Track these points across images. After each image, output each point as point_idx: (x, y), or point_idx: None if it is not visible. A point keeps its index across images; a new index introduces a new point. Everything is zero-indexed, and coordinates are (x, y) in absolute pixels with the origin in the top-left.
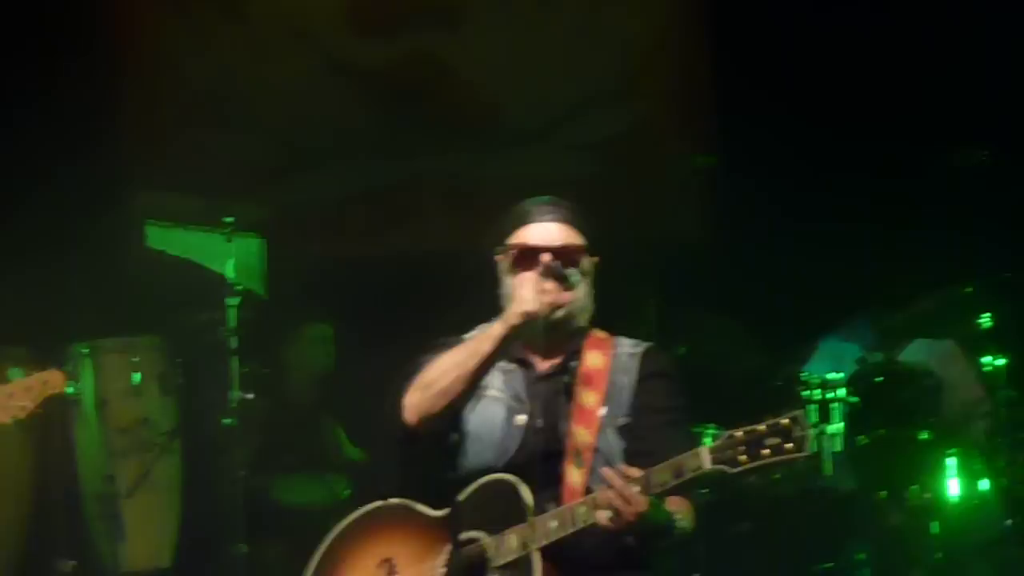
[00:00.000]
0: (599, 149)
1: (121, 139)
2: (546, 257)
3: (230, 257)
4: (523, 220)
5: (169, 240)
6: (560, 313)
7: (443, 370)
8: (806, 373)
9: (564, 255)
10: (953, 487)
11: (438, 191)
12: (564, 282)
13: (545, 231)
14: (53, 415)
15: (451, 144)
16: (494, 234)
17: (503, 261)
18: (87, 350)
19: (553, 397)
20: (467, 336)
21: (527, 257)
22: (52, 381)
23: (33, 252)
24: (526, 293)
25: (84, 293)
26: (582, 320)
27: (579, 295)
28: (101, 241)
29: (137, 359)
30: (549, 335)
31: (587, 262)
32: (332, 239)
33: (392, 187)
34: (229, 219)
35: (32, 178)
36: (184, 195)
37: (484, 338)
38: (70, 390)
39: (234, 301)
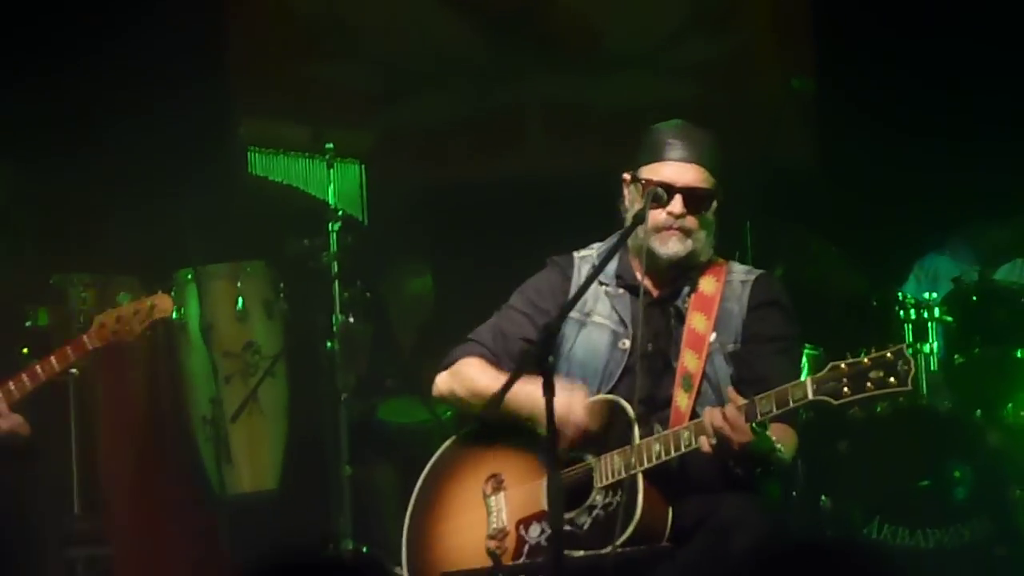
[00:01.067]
0: (699, 73)
1: (224, 68)
2: (677, 206)
3: (331, 183)
4: (659, 154)
5: (271, 167)
6: (682, 254)
7: (478, 389)
8: (902, 294)
9: (696, 198)
10: None
11: (540, 117)
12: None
13: (680, 171)
14: (160, 340)
15: (553, 69)
16: (629, 154)
17: (632, 186)
18: (192, 276)
19: (664, 322)
20: (580, 253)
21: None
22: (160, 305)
23: (139, 181)
24: (575, 413)
25: (189, 220)
26: (700, 259)
27: (701, 239)
28: (205, 169)
29: (241, 284)
30: (667, 269)
31: (713, 206)
32: (433, 166)
33: (493, 113)
34: (330, 145)
35: (138, 109)
36: (286, 122)
37: (524, 401)
38: (175, 315)
39: (335, 227)
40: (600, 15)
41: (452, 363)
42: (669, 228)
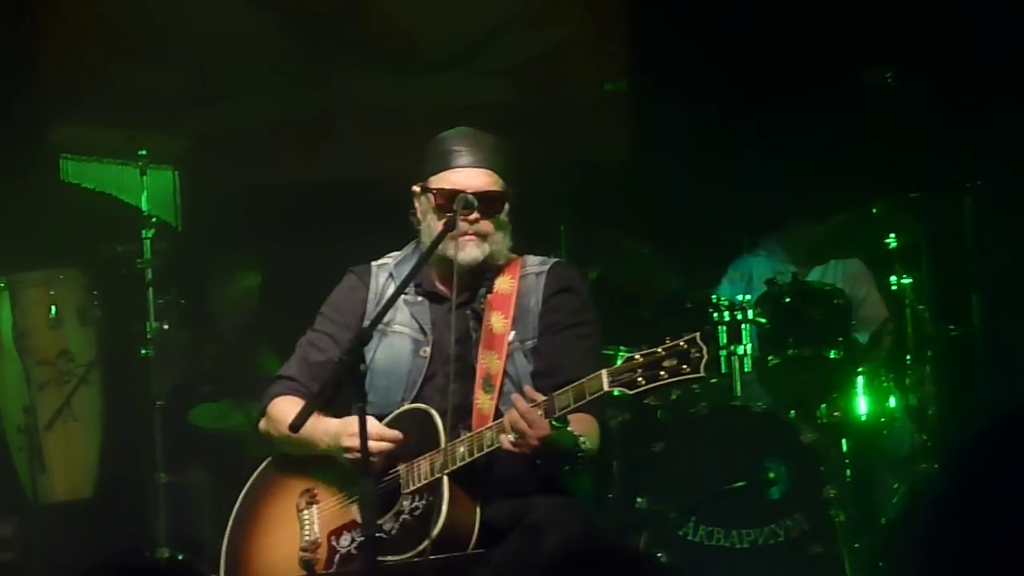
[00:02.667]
0: (514, 74)
1: (34, 73)
2: (472, 214)
3: (144, 189)
4: (446, 161)
5: (84, 174)
6: (480, 258)
7: (285, 433)
8: (716, 295)
9: (487, 202)
10: (862, 405)
11: (354, 119)
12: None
13: (469, 176)
14: None
15: (366, 71)
16: (416, 165)
17: (422, 197)
18: (4, 284)
19: (464, 326)
20: (379, 262)
21: (448, 200)
22: None
23: None
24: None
25: (0, 227)
26: (499, 261)
27: (497, 242)
28: (16, 175)
29: (54, 292)
30: (465, 275)
31: (506, 208)
32: (247, 169)
33: (307, 116)
34: (143, 152)
35: None
36: (98, 129)
37: (321, 437)
38: None
39: (149, 233)
40: (415, 17)
41: (266, 405)
42: (465, 234)
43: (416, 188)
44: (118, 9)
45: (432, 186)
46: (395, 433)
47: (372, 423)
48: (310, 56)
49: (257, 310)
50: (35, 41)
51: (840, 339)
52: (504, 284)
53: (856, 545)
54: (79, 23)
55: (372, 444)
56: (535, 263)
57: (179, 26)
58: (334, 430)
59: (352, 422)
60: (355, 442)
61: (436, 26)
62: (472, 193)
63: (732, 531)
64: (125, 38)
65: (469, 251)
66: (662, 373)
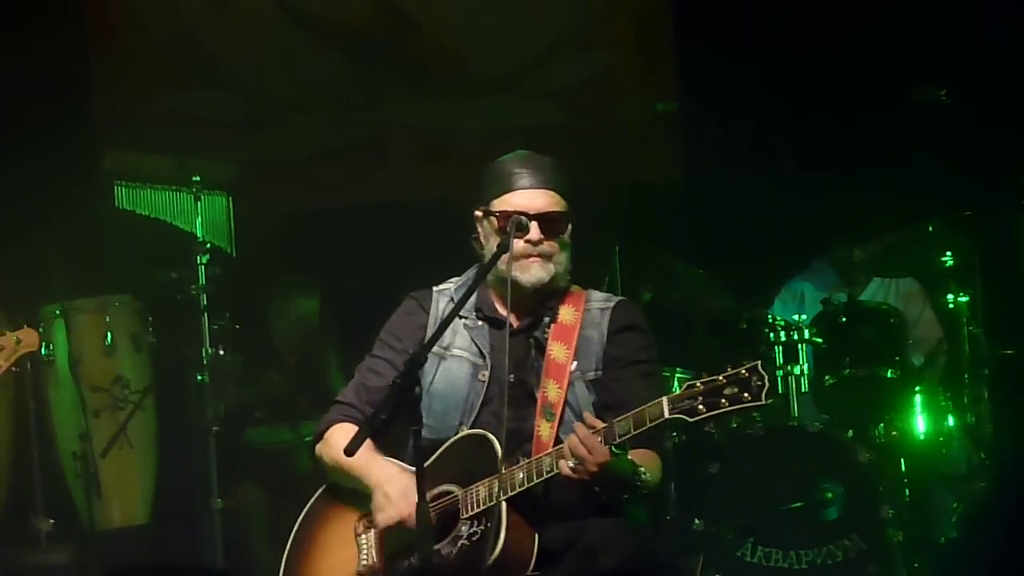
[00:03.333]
0: (564, 97)
1: (89, 101)
2: (534, 233)
3: (198, 215)
4: (508, 185)
5: (138, 200)
6: (545, 279)
7: (338, 462)
8: (771, 315)
9: (551, 222)
10: (919, 424)
11: (406, 143)
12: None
13: (532, 198)
14: (28, 376)
15: (418, 96)
16: (477, 190)
17: (485, 221)
18: (60, 311)
19: (524, 353)
20: (439, 288)
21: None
22: (26, 340)
23: (4, 215)
24: (397, 509)
25: (55, 255)
26: (562, 283)
27: (561, 261)
28: (72, 203)
29: (109, 318)
30: (527, 298)
31: (569, 228)
32: (300, 194)
33: (359, 141)
34: (197, 178)
35: (2, 141)
36: (152, 155)
37: (364, 475)
38: (43, 351)
39: (203, 259)
40: (465, 41)
41: (323, 431)
42: (529, 256)
43: (479, 212)
44: (169, 37)
45: (494, 209)
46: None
47: (402, 490)
48: (361, 80)
49: (316, 332)
50: (88, 69)
51: (896, 358)
52: (568, 315)
53: (915, 565)
54: (131, 51)
55: (386, 516)
56: (600, 299)
57: (230, 52)
58: (375, 481)
59: (395, 482)
60: (381, 516)
61: (486, 49)
62: (534, 214)
63: (790, 552)
64: (177, 65)
65: (534, 272)
66: (723, 401)
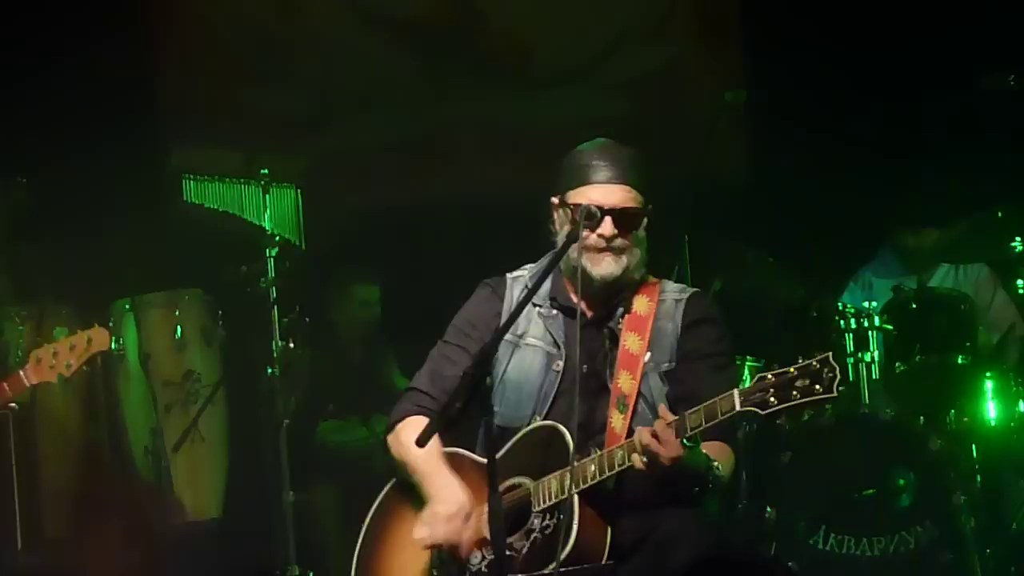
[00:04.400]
0: (632, 88)
1: (158, 96)
2: (607, 228)
3: (267, 209)
4: (585, 177)
5: (206, 194)
6: (617, 273)
7: (405, 459)
8: (842, 304)
9: (625, 218)
10: (991, 410)
11: (471, 136)
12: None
13: (608, 192)
14: (99, 371)
15: (486, 89)
16: (555, 176)
17: (560, 210)
18: (130, 306)
19: (598, 344)
20: (513, 275)
21: (588, 218)
22: (97, 339)
23: (75, 211)
24: (438, 532)
25: (125, 250)
26: (635, 277)
27: (635, 258)
28: (141, 198)
29: (179, 313)
30: (601, 289)
31: (644, 224)
32: (368, 188)
33: (428, 135)
34: (265, 171)
35: (72, 138)
36: (220, 149)
37: (424, 484)
38: (113, 346)
39: (273, 252)
40: (531, 34)
41: (395, 423)
42: (601, 250)
43: (555, 200)
44: (236, 33)
45: (570, 201)
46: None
47: (451, 518)
48: (428, 75)
49: (379, 321)
50: (156, 64)
51: (967, 344)
52: (642, 306)
53: (987, 552)
54: (198, 47)
55: (426, 534)
56: (674, 289)
57: (297, 48)
58: (431, 493)
59: (447, 504)
60: (425, 532)
61: (553, 42)
62: (609, 208)
63: (862, 539)
64: (244, 61)
65: (605, 266)
66: (794, 393)
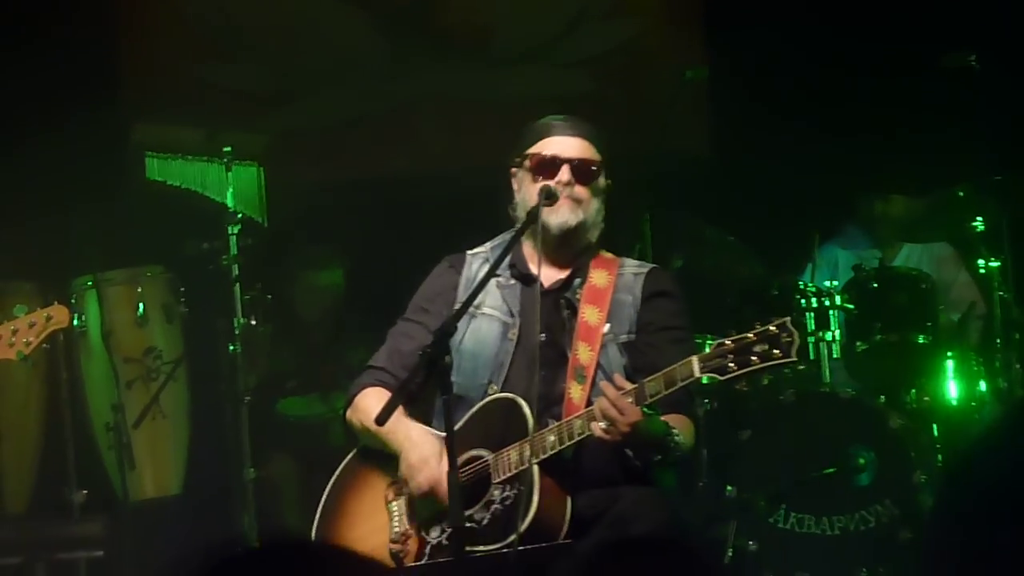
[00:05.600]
0: (592, 65)
1: (118, 72)
2: (564, 173)
3: (229, 186)
4: (543, 133)
5: (169, 171)
6: (572, 223)
7: (367, 426)
8: (802, 282)
9: (583, 168)
10: (952, 390)
11: (435, 114)
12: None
13: (565, 143)
14: (60, 348)
15: (446, 65)
16: (513, 148)
17: (519, 172)
18: (91, 282)
19: (556, 313)
20: (473, 251)
21: (546, 167)
22: (57, 317)
23: (34, 188)
24: (423, 477)
25: (86, 227)
26: (592, 236)
27: (592, 210)
28: (101, 175)
29: (141, 289)
30: (559, 248)
31: (602, 180)
32: (330, 165)
33: (388, 111)
34: (228, 148)
35: (31, 114)
36: (182, 126)
37: (391, 440)
38: (75, 322)
39: (235, 229)
40: (492, 10)
41: (354, 395)
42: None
43: (513, 168)
44: (198, 7)
45: (529, 153)
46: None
47: (433, 462)
48: (389, 50)
49: (341, 304)
50: (116, 39)
51: (928, 323)
52: (600, 279)
53: None
54: (160, 21)
55: (415, 485)
56: (634, 264)
57: (257, 23)
58: (401, 447)
59: (419, 448)
60: (411, 484)
61: (514, 18)
62: (567, 158)
63: (822, 518)
64: (205, 37)
65: (562, 215)
66: (753, 358)
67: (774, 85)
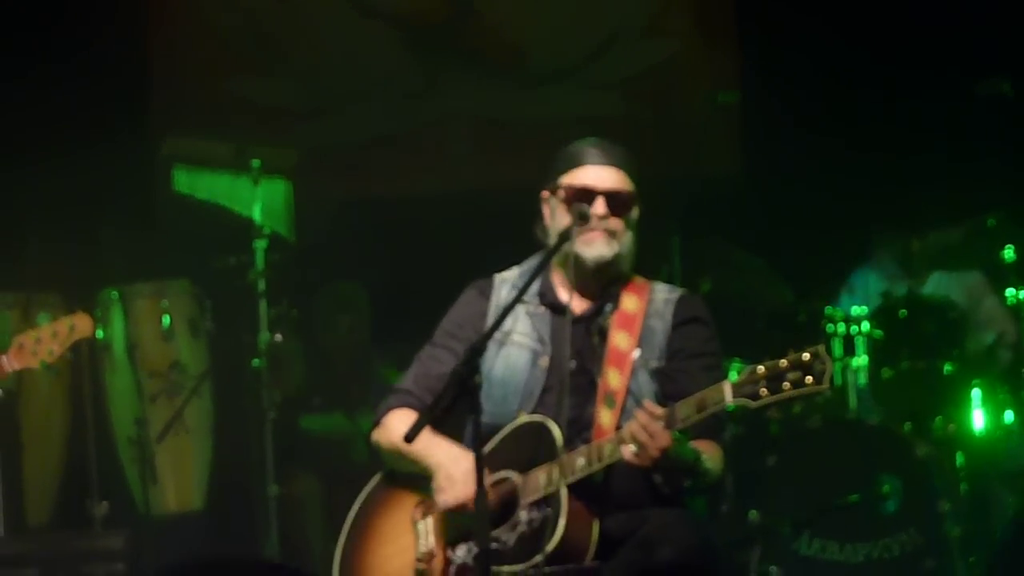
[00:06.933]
0: (625, 87)
1: (149, 85)
2: (600, 208)
3: (257, 200)
4: (577, 161)
5: (197, 185)
6: (608, 256)
7: (396, 446)
8: (831, 307)
9: (618, 200)
10: (977, 419)
11: (466, 132)
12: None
13: (600, 174)
14: (84, 360)
15: (478, 84)
16: (545, 172)
17: (551, 199)
18: (117, 295)
19: (587, 340)
20: (501, 276)
21: (580, 199)
22: (80, 326)
23: (64, 199)
24: (458, 491)
25: (114, 239)
26: (625, 267)
27: (626, 241)
28: (131, 187)
29: (167, 303)
30: (592, 278)
31: (635, 210)
32: (359, 181)
33: (419, 129)
34: (256, 163)
35: (62, 126)
36: (211, 140)
37: (424, 457)
38: (100, 335)
39: (262, 244)
40: (526, 30)
41: (381, 416)
42: (594, 230)
43: (545, 193)
44: (230, 23)
45: (562, 183)
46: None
47: (467, 475)
48: (421, 68)
49: (368, 322)
50: (148, 53)
51: (955, 352)
52: (631, 303)
53: (971, 560)
54: (191, 35)
55: (447, 498)
56: (665, 289)
57: (290, 39)
58: (436, 463)
59: (454, 463)
60: (442, 498)
61: (547, 38)
62: (603, 190)
63: (846, 545)
64: (237, 51)
65: (597, 247)
66: (785, 385)
67: (806, 110)
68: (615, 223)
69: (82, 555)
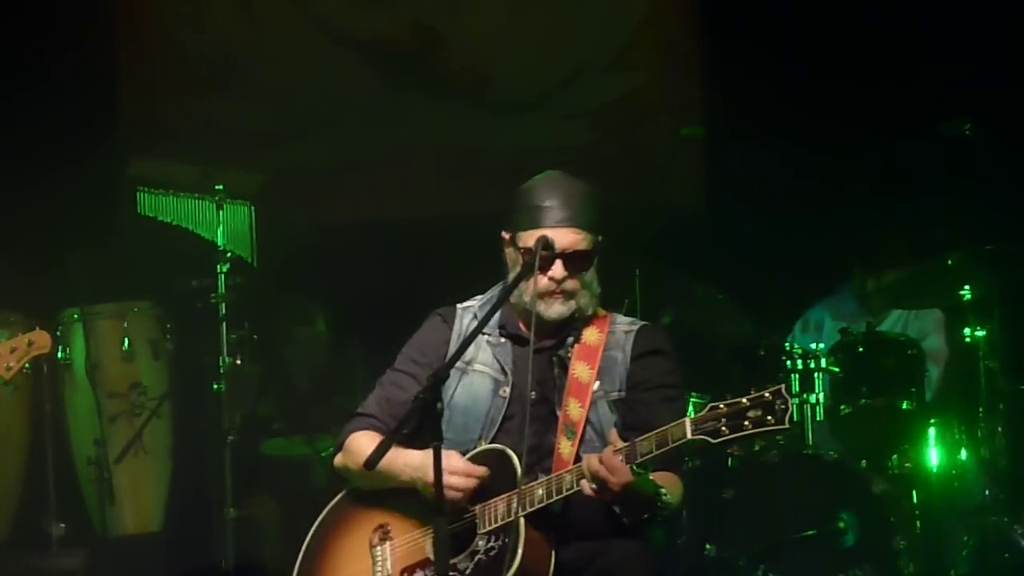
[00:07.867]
0: (588, 118)
1: (113, 107)
2: (558, 271)
3: (220, 224)
4: (536, 219)
5: (161, 207)
6: (567, 314)
7: (362, 468)
8: (789, 343)
9: (576, 260)
10: (933, 457)
11: (431, 160)
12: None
13: (558, 236)
14: (44, 379)
15: (444, 113)
16: (507, 209)
17: (510, 248)
18: (78, 315)
19: (548, 371)
20: (463, 305)
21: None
22: (38, 342)
23: (26, 220)
24: (457, 481)
25: (76, 260)
26: (586, 314)
27: (585, 297)
28: (95, 208)
29: (128, 324)
30: (551, 322)
31: (594, 263)
32: (323, 206)
33: (384, 156)
34: (220, 187)
35: (25, 146)
36: (176, 163)
37: (403, 469)
38: (61, 355)
39: (224, 268)
40: (493, 59)
41: (343, 440)
42: (552, 292)
43: (505, 235)
44: (197, 46)
45: (520, 244)
46: (483, 470)
47: (460, 458)
48: (388, 96)
49: (327, 350)
50: (114, 75)
51: (913, 390)
52: (592, 336)
53: None
54: (158, 58)
55: (459, 480)
56: (625, 322)
57: (258, 63)
58: (418, 462)
59: (429, 470)
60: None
61: (514, 68)
62: (559, 252)
63: None
64: (204, 74)
65: (555, 308)
66: (746, 423)
67: (769, 146)
68: (572, 283)
69: (38, 574)
